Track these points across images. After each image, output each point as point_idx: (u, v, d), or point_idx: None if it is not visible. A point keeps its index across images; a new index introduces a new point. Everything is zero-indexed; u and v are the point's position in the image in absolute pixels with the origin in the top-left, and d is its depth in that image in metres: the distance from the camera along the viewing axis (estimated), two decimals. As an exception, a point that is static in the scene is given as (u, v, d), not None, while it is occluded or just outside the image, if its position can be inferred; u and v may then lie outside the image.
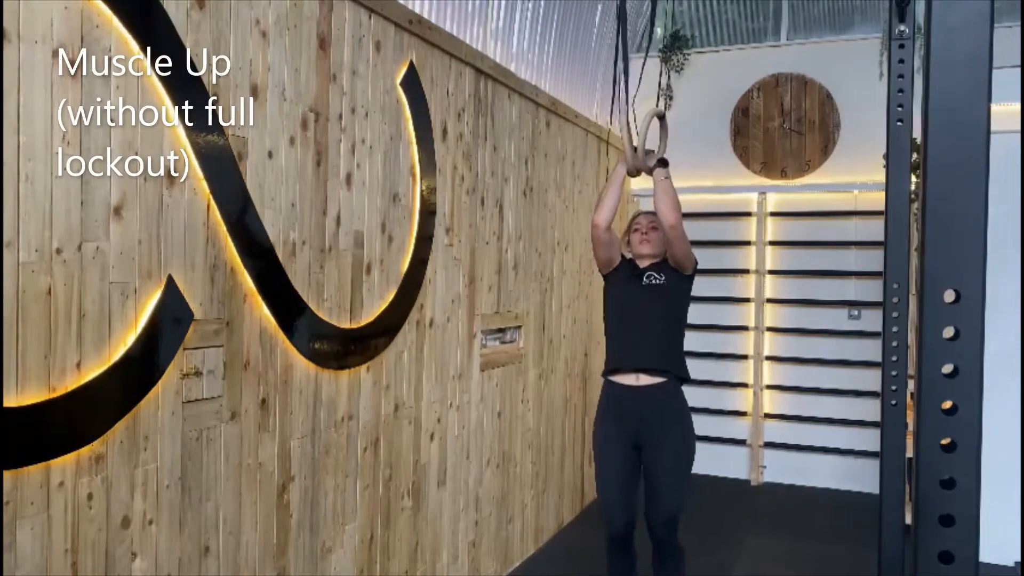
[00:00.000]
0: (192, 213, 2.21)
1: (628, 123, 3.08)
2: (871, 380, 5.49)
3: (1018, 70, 3.90)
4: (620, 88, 3.09)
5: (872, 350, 5.54)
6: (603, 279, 3.41)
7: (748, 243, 6.08)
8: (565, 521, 5.08)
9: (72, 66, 1.87)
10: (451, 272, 3.60)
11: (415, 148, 3.27)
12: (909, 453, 2.43)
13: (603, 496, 3.23)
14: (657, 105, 3.26)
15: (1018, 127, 3.77)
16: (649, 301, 3.21)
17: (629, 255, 3.39)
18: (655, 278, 3.23)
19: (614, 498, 3.17)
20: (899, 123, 2.68)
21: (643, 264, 3.30)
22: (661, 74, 6.02)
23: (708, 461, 6.21)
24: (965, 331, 0.98)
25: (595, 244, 3.28)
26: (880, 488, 2.75)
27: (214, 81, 2.27)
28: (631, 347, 3.20)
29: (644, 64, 3.16)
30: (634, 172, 3.17)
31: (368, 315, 3.01)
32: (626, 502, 3.18)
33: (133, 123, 2.03)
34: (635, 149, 3.10)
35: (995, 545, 4.06)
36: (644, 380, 3.17)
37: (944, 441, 1.00)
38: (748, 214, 6.08)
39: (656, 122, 3.13)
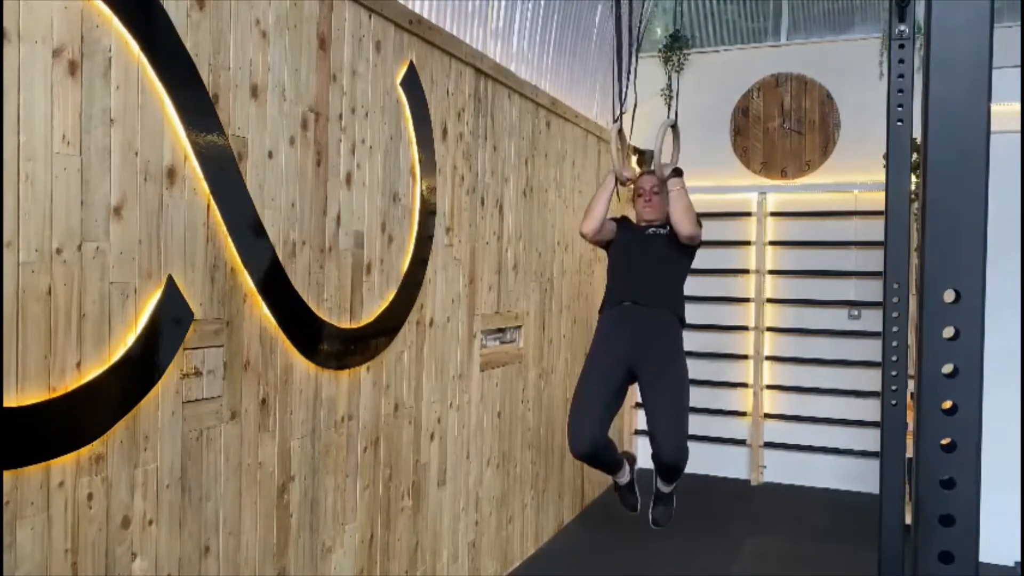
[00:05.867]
0: (192, 213, 2.21)
1: (619, 132, 3.09)
2: (871, 380, 5.49)
3: (1018, 70, 3.90)
4: (618, 96, 3.10)
5: (872, 350, 5.54)
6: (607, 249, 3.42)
7: (748, 243, 6.07)
8: (565, 521, 5.08)
9: (72, 66, 1.87)
10: (451, 272, 3.60)
11: (415, 148, 3.27)
12: (909, 453, 2.43)
13: (575, 415, 3.08)
14: (668, 110, 3.27)
15: (1018, 127, 3.77)
16: (651, 248, 3.25)
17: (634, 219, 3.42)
18: (659, 230, 3.28)
19: (586, 420, 3.04)
20: (899, 123, 2.68)
21: (646, 220, 3.34)
22: (670, 76, 6.01)
23: (708, 461, 6.21)
24: (965, 331, 0.98)
25: (590, 243, 3.35)
26: (880, 488, 2.75)
27: (214, 81, 2.27)
28: (631, 285, 3.19)
29: (620, 68, 3.18)
30: (624, 181, 3.18)
31: (368, 315, 3.01)
32: (596, 429, 3.04)
33: (133, 123, 2.03)
34: (623, 158, 3.13)
35: (995, 545, 4.06)
36: (643, 307, 3.16)
37: (944, 441, 1.00)
38: (748, 214, 6.08)
39: (669, 131, 3.14)
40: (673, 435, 3.02)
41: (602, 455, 3.10)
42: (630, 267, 3.26)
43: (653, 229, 3.27)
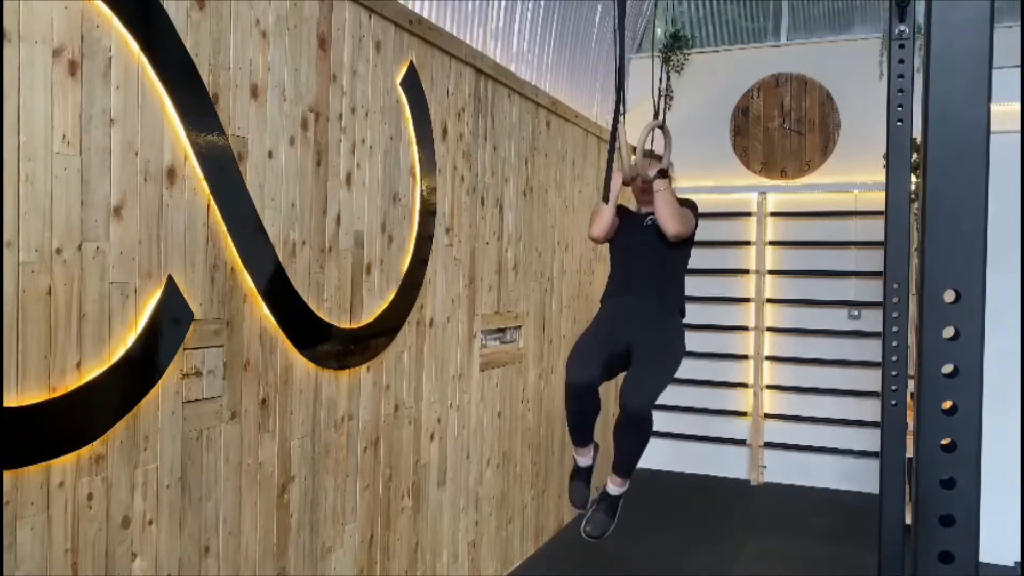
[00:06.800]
0: (192, 213, 2.21)
1: (624, 134, 3.06)
2: (871, 380, 5.49)
3: (1018, 70, 3.90)
4: (623, 95, 3.08)
5: (872, 350, 5.54)
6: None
7: (748, 243, 6.07)
8: (565, 521, 5.08)
9: (72, 66, 1.87)
10: (451, 272, 3.60)
11: (415, 148, 3.27)
12: (909, 453, 2.43)
13: (574, 355, 3.04)
14: (656, 107, 3.23)
15: (1018, 127, 3.77)
16: (650, 240, 3.18)
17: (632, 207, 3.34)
18: (656, 220, 3.19)
19: (586, 358, 2.99)
20: (899, 123, 2.68)
21: (644, 210, 3.25)
22: (664, 74, 6.00)
23: (708, 461, 6.22)
24: (965, 331, 0.98)
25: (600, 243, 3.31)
26: (880, 488, 2.75)
27: (214, 81, 2.27)
28: (631, 279, 3.15)
29: (622, 67, 3.15)
30: (630, 181, 3.15)
31: (368, 315, 3.01)
32: (595, 370, 2.97)
33: (133, 123, 2.03)
34: (632, 158, 3.09)
35: (995, 545, 4.06)
36: (643, 301, 3.12)
37: (944, 441, 1.00)
38: (748, 214, 6.08)
39: (658, 132, 3.11)
40: (645, 385, 2.91)
41: (591, 400, 3.04)
42: (630, 260, 3.20)
43: (652, 218, 3.19)
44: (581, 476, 3.22)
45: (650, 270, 3.17)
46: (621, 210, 3.33)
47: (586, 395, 3.00)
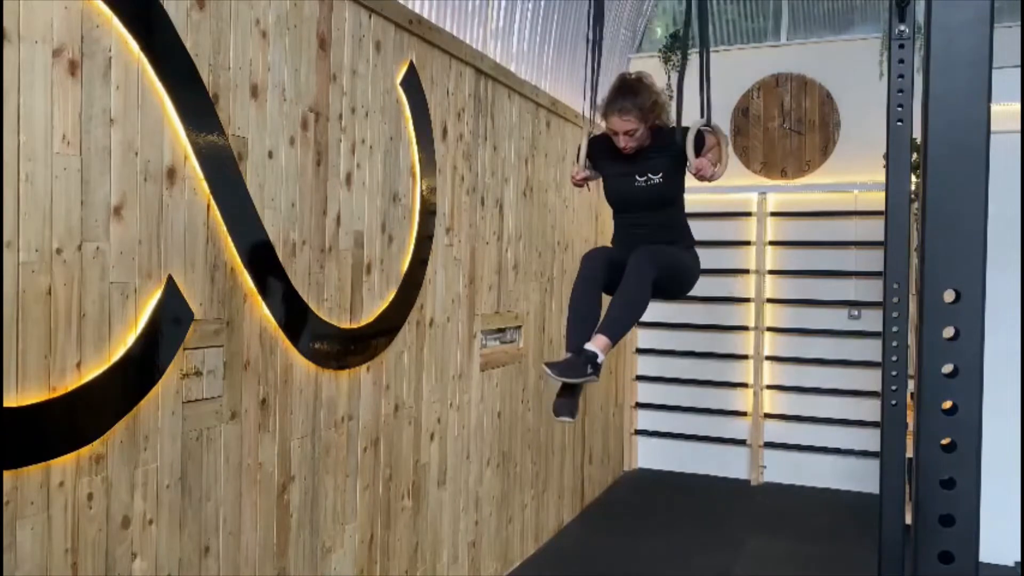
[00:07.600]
0: (192, 213, 2.21)
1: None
2: (871, 380, 5.49)
3: (1018, 70, 3.91)
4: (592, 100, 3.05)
5: (872, 350, 5.54)
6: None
7: (748, 243, 6.07)
8: (565, 521, 5.08)
9: (72, 66, 1.87)
10: (451, 272, 3.60)
11: (415, 148, 3.27)
12: (909, 453, 2.43)
13: (587, 254, 3.00)
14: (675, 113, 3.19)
15: (1018, 127, 3.77)
16: (645, 198, 3.07)
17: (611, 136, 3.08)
18: (650, 178, 3.05)
19: (597, 257, 2.94)
20: (899, 123, 2.68)
21: (628, 148, 3.03)
22: (672, 76, 6.00)
23: (708, 461, 6.22)
24: (965, 331, 0.98)
25: None
26: (880, 488, 2.75)
27: (214, 81, 2.27)
28: (635, 239, 3.10)
29: (596, 71, 3.12)
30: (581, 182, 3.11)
31: (368, 315, 3.01)
32: (603, 270, 2.90)
33: (133, 123, 2.03)
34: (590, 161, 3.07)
35: (995, 545, 4.06)
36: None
37: (944, 441, 0.99)
38: (748, 214, 6.08)
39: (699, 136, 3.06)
40: (644, 257, 2.81)
41: (594, 286, 2.91)
42: (630, 219, 3.10)
43: (642, 180, 3.05)
44: (582, 357, 2.75)
45: (652, 225, 3.09)
46: (602, 150, 3.13)
47: (588, 285, 2.89)
